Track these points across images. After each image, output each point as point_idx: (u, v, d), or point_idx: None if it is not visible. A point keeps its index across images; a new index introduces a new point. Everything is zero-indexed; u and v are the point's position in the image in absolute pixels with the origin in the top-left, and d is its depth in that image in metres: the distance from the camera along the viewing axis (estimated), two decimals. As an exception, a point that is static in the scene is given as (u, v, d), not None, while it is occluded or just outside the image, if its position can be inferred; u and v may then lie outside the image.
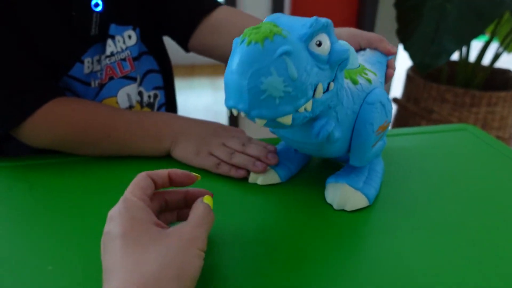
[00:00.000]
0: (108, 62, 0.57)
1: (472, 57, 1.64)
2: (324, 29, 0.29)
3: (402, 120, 1.76)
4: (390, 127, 1.86)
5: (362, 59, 0.44)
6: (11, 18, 0.48)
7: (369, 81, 0.39)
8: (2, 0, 0.47)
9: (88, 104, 0.51)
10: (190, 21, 0.63)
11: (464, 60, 1.61)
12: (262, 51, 0.26)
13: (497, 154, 0.53)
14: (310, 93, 0.29)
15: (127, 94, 0.61)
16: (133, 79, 0.61)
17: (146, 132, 0.50)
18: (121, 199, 0.29)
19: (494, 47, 1.70)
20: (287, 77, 0.27)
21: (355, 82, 0.37)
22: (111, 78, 0.58)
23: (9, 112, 0.47)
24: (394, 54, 0.48)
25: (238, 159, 0.45)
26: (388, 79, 0.47)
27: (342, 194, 0.39)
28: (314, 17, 0.29)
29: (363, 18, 1.69)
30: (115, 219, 0.27)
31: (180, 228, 0.27)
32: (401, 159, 0.51)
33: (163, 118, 0.52)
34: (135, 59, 0.60)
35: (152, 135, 0.50)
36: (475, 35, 1.27)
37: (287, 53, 0.26)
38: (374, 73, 0.41)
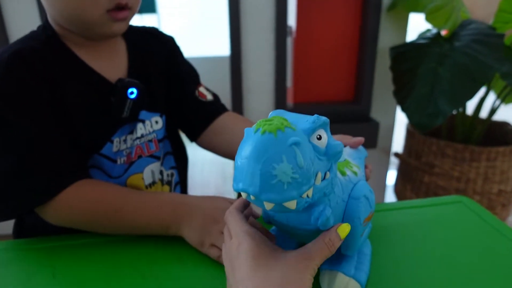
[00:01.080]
0: (138, 142, 0.65)
1: (470, 110, 1.69)
2: (324, 125, 0.34)
3: (405, 174, 1.79)
4: (394, 183, 1.89)
5: (345, 154, 0.49)
6: (55, 100, 0.55)
7: (355, 173, 0.44)
8: (54, 85, 0.55)
9: (104, 187, 0.56)
10: (203, 121, 0.73)
11: (461, 113, 1.66)
12: (275, 140, 0.30)
13: (490, 229, 0.57)
14: (312, 180, 0.32)
15: (151, 171, 0.68)
16: (157, 158, 0.69)
17: (152, 218, 0.54)
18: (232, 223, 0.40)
19: (491, 98, 1.76)
20: (295, 165, 0.30)
21: (343, 174, 0.42)
22: (139, 157, 0.66)
23: (37, 190, 0.52)
24: (360, 143, 0.54)
25: None
26: (367, 177, 0.52)
27: (337, 284, 0.42)
28: (316, 115, 0.34)
29: (361, 83, 1.78)
30: (240, 236, 0.37)
31: (299, 253, 0.35)
32: (397, 235, 0.55)
33: (168, 200, 0.57)
34: (159, 141, 0.69)
35: (158, 223, 0.54)
36: (468, 98, 1.33)
37: (296, 144, 0.30)
38: (358, 167, 0.46)
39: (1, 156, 0.51)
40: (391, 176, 2.16)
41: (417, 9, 1.55)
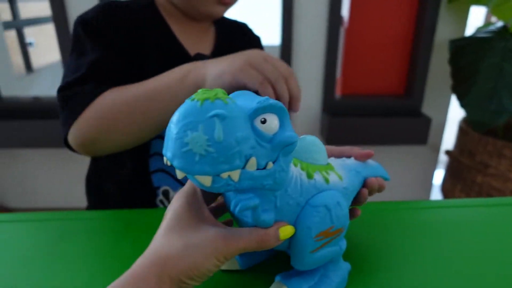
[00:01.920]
0: None
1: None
2: (274, 110, 0.31)
3: (456, 173, 1.72)
4: (441, 181, 1.82)
5: (338, 163, 0.42)
6: (134, 54, 0.58)
7: (326, 180, 0.37)
8: (137, 42, 0.58)
9: (116, 89, 0.53)
10: None
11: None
12: (199, 108, 0.28)
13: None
14: (238, 163, 0.29)
15: None
16: None
17: (171, 76, 0.51)
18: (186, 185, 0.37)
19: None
20: (212, 137, 0.27)
21: (309, 176, 0.36)
22: None
23: (67, 114, 0.53)
24: (368, 156, 0.45)
25: (282, 87, 0.46)
26: (362, 198, 0.42)
27: None
28: (265, 97, 0.31)
29: (413, 76, 1.72)
30: (178, 195, 0.35)
31: (223, 231, 0.32)
32: (446, 234, 0.52)
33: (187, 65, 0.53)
34: None
35: (177, 77, 0.50)
36: (536, 95, 1.27)
37: (219, 116, 0.28)
38: (340, 177, 0.39)
39: (69, 70, 0.55)
40: (438, 175, 2.09)
41: (480, 2, 1.48)
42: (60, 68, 2.65)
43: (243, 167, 0.29)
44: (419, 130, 1.71)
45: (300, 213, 0.35)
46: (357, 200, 0.42)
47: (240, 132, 0.29)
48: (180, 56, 0.62)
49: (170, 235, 0.32)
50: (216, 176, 0.29)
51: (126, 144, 0.53)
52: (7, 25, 1.97)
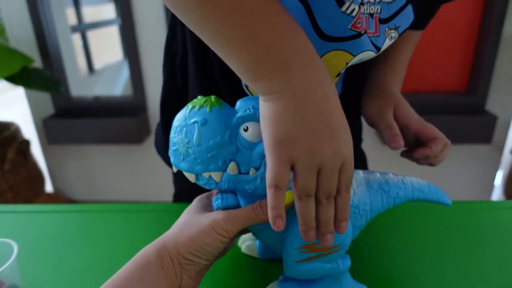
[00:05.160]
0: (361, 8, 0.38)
1: None
2: (256, 118, 0.32)
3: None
4: (504, 182, 1.70)
5: (362, 176, 0.38)
6: None
7: None
8: None
9: None
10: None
11: None
12: (187, 114, 0.32)
13: None
14: (215, 165, 0.32)
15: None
16: (376, 48, 0.41)
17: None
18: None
19: None
20: (191, 141, 0.31)
21: None
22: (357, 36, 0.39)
23: None
24: (433, 163, 0.47)
25: (325, 211, 0.31)
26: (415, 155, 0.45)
27: None
28: (252, 106, 0.33)
29: (477, 72, 1.64)
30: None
31: (219, 212, 0.34)
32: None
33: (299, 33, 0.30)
34: (383, 21, 0.41)
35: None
36: None
37: (199, 122, 0.31)
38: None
39: None
40: (500, 176, 1.99)
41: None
42: (117, 69, 2.78)
43: (225, 170, 0.32)
44: (483, 128, 1.63)
45: (290, 222, 0.33)
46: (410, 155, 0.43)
47: (217, 138, 0.31)
48: None
49: (173, 226, 0.35)
50: (199, 174, 0.32)
51: None
52: (73, 29, 2.11)
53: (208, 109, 0.32)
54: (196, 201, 0.38)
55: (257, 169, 0.32)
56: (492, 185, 1.87)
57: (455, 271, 0.44)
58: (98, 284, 0.31)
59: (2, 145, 1.64)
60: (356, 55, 0.39)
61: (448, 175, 1.82)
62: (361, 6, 0.36)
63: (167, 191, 0.85)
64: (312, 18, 0.36)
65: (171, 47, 0.55)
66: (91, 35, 2.60)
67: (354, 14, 0.35)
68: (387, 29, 0.41)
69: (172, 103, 0.58)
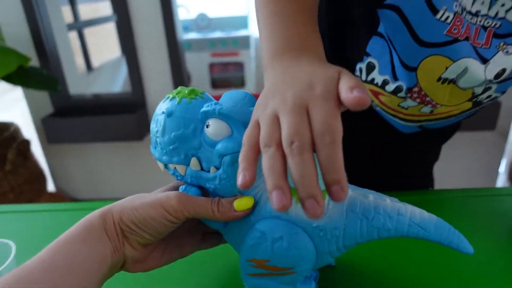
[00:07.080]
0: (469, 18, 0.42)
1: None
2: (216, 115, 0.30)
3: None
4: (508, 169, 1.68)
5: (356, 193, 0.33)
6: None
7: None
8: None
9: None
10: None
11: None
12: (161, 104, 0.33)
13: None
14: (178, 158, 0.32)
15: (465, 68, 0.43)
16: (483, 60, 0.43)
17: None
18: None
19: None
20: (159, 131, 0.32)
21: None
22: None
23: None
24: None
25: (294, 166, 0.23)
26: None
27: None
28: (215, 101, 0.32)
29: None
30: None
31: (177, 192, 0.32)
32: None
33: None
34: (500, 36, 0.42)
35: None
36: None
37: (166, 114, 0.31)
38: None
39: None
40: (504, 162, 1.97)
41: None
42: (115, 66, 2.77)
43: (188, 164, 0.32)
44: (486, 114, 1.62)
45: (246, 231, 0.32)
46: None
47: (179, 131, 0.31)
48: None
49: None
50: (167, 164, 0.33)
51: None
52: (69, 27, 2.09)
53: (177, 101, 0.32)
54: (165, 186, 0.36)
55: (217, 168, 0.31)
56: (496, 172, 1.86)
57: (459, 258, 0.43)
58: (99, 283, 0.30)
59: (2, 146, 1.64)
60: (456, 61, 0.42)
61: (452, 162, 1.80)
62: (468, 16, 0.41)
63: (169, 186, 0.84)
64: (409, 26, 0.41)
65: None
66: (88, 32, 2.58)
67: (448, 21, 0.40)
68: (502, 43, 0.42)
69: None
